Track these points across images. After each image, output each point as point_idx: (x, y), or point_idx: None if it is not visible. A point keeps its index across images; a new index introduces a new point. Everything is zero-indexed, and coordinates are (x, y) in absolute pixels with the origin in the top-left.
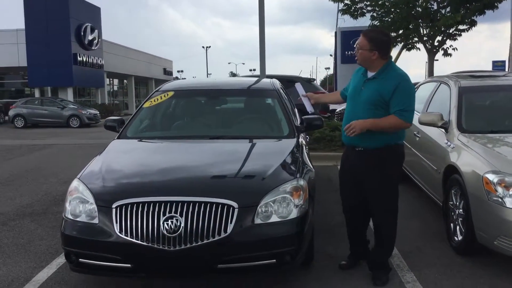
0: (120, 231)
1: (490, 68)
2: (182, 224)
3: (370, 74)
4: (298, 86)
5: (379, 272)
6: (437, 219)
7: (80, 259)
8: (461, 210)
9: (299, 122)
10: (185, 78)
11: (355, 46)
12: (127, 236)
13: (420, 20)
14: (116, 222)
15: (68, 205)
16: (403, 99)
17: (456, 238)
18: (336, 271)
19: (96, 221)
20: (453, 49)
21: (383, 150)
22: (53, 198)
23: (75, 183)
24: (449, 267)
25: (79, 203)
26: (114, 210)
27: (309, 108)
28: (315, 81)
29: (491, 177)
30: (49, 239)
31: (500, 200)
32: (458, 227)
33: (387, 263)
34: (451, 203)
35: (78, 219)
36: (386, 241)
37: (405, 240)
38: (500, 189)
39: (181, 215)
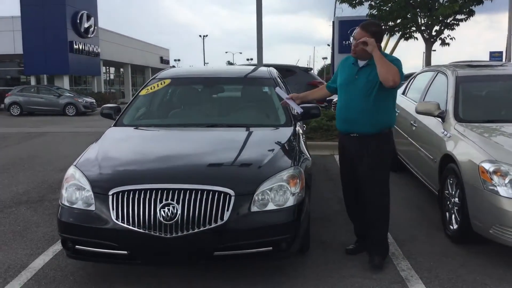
0: (117, 218)
1: (487, 59)
2: (179, 212)
3: (362, 63)
4: (278, 91)
5: (375, 254)
6: (432, 208)
7: (76, 246)
8: (456, 199)
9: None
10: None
11: (353, 40)
12: (123, 223)
13: (418, 10)
14: (113, 209)
15: (65, 192)
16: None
17: (451, 227)
18: (331, 259)
19: (92, 208)
20: (451, 38)
21: (378, 135)
22: (49, 186)
23: (72, 170)
24: (444, 255)
25: (76, 190)
26: (110, 197)
27: (297, 109)
28: (312, 71)
29: (487, 166)
30: (45, 226)
31: (495, 189)
32: (453, 216)
33: (386, 244)
34: (447, 192)
35: (74, 206)
36: (380, 222)
37: (400, 228)
38: (496, 178)
39: (177, 203)
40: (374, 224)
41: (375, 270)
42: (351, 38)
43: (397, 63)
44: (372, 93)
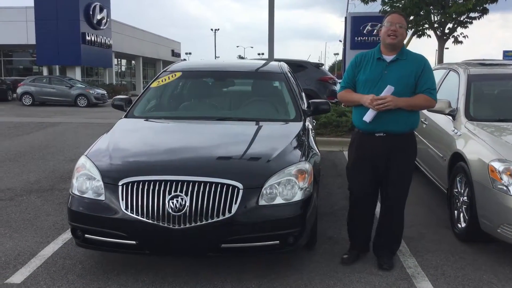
0: (126, 208)
1: (501, 58)
2: (187, 203)
3: (388, 57)
4: (389, 88)
5: (386, 256)
6: (441, 206)
7: (86, 235)
8: (465, 198)
9: (306, 106)
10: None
11: (389, 24)
12: (132, 213)
13: (431, 7)
14: (122, 200)
15: (75, 182)
16: (430, 78)
17: (459, 225)
18: (338, 254)
19: (102, 197)
20: (464, 36)
21: (407, 135)
22: (60, 175)
23: (83, 159)
24: (452, 253)
25: (86, 180)
26: (120, 188)
27: (368, 117)
28: (323, 66)
29: (497, 165)
30: (55, 215)
31: (505, 188)
32: (461, 214)
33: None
34: (456, 190)
35: (84, 196)
36: (398, 227)
37: (408, 225)
38: (505, 178)
39: (186, 194)
40: (392, 228)
41: (385, 270)
42: (384, 24)
43: (429, 64)
44: (405, 89)
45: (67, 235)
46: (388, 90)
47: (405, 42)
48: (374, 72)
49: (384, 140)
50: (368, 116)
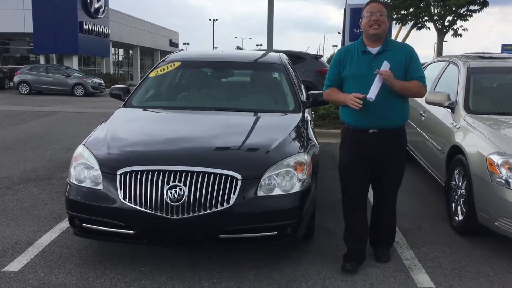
0: (124, 198)
1: (499, 51)
2: (186, 194)
3: (374, 49)
4: (386, 63)
5: (383, 248)
6: (438, 199)
7: (83, 224)
8: (463, 191)
9: (305, 97)
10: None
11: (369, 15)
12: (130, 203)
13: None
14: (120, 189)
15: (73, 171)
16: (419, 66)
17: (457, 218)
18: (335, 245)
19: (100, 187)
20: (463, 29)
21: (400, 129)
22: (57, 164)
23: (80, 149)
24: (449, 246)
25: (84, 169)
26: (118, 177)
27: (372, 94)
28: (321, 58)
29: (496, 158)
30: (52, 204)
31: (503, 181)
32: (459, 207)
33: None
34: (454, 183)
35: (82, 185)
36: (393, 220)
37: (405, 218)
38: (503, 171)
39: (184, 185)
40: (387, 222)
41: (383, 262)
42: (364, 15)
43: (415, 52)
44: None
45: (64, 224)
46: (385, 66)
47: (403, 34)
48: (361, 67)
49: (379, 137)
50: (372, 93)
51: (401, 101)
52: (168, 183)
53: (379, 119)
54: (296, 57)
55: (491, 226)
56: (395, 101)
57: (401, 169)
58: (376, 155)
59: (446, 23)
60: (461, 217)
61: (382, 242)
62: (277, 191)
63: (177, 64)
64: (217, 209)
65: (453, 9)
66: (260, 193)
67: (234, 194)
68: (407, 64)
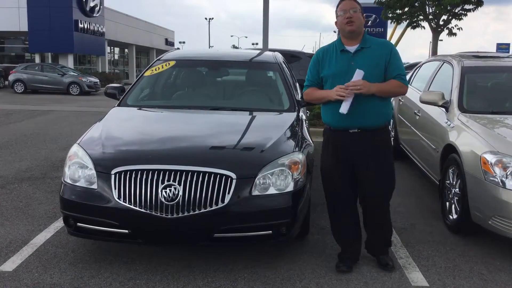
0: (119, 197)
1: (494, 50)
2: (180, 193)
3: (352, 47)
4: (358, 72)
5: (385, 256)
6: (433, 198)
7: (78, 223)
8: (457, 189)
9: (300, 97)
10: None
11: (342, 12)
12: (125, 202)
13: None
14: (115, 188)
15: (68, 170)
16: (400, 63)
17: (451, 217)
18: (330, 244)
19: (95, 186)
20: (458, 28)
21: (382, 129)
22: (52, 164)
23: (75, 148)
24: (443, 244)
25: (79, 168)
26: (113, 176)
27: (344, 108)
28: None
29: (489, 157)
30: (47, 203)
31: (496, 180)
32: (453, 206)
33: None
34: (448, 182)
35: (77, 184)
36: (387, 223)
37: (400, 216)
38: (497, 170)
39: (179, 184)
40: (381, 226)
41: (390, 270)
42: (338, 14)
43: (395, 49)
44: (375, 79)
45: (59, 224)
46: (358, 74)
47: (398, 33)
48: (340, 65)
49: (360, 137)
50: (344, 107)
51: (381, 100)
52: (162, 182)
53: (358, 119)
54: (291, 56)
55: (484, 225)
56: (374, 100)
57: (387, 171)
58: (357, 156)
59: (441, 22)
60: (455, 216)
61: (379, 247)
62: (271, 190)
63: (172, 63)
64: (211, 208)
65: (448, 8)
66: (255, 192)
67: (228, 193)
68: (387, 61)
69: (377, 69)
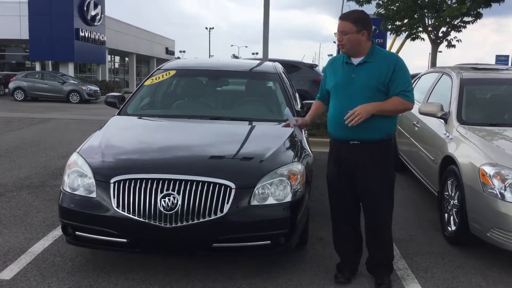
0: (118, 206)
1: (493, 62)
2: (179, 202)
3: (356, 60)
4: (288, 112)
5: (382, 275)
6: (431, 209)
7: (76, 232)
8: (456, 201)
9: (299, 107)
10: (186, 58)
11: (337, 35)
12: (124, 211)
13: (425, 10)
14: (114, 197)
15: (67, 178)
16: (404, 79)
17: (449, 228)
18: (328, 255)
19: (94, 195)
20: (457, 40)
21: (384, 142)
22: (51, 172)
23: (74, 156)
24: (441, 256)
25: (78, 177)
26: (112, 185)
27: (300, 136)
28: (317, 67)
29: (488, 169)
30: (46, 211)
31: (495, 192)
32: (452, 217)
33: (392, 264)
34: (447, 193)
35: (76, 193)
36: (387, 242)
37: (398, 228)
38: (496, 182)
39: (178, 193)
40: (381, 243)
41: None
42: (335, 35)
43: (401, 63)
44: (375, 93)
45: (57, 232)
46: (288, 114)
47: (397, 45)
48: (342, 77)
49: (360, 148)
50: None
51: (381, 115)
52: (161, 191)
53: (358, 131)
54: (291, 66)
55: (483, 236)
56: (375, 115)
57: (385, 185)
58: (358, 168)
59: (440, 34)
60: (453, 227)
61: (378, 266)
62: (270, 200)
63: (173, 72)
64: (210, 218)
65: (447, 20)
66: (254, 202)
67: (227, 203)
68: (389, 77)
69: (377, 84)
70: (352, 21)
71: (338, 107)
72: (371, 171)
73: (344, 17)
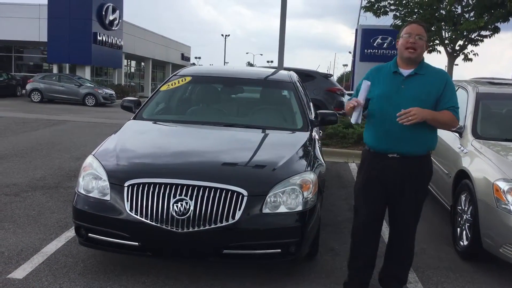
0: (131, 210)
1: (510, 77)
2: (192, 208)
3: (406, 71)
4: (365, 85)
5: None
6: (444, 223)
7: (89, 234)
8: (468, 216)
9: (313, 116)
10: (201, 65)
11: (408, 36)
12: (137, 214)
13: (442, 23)
14: (127, 201)
15: (82, 180)
16: (453, 96)
17: (461, 243)
18: (338, 266)
19: (108, 198)
20: (474, 54)
21: (424, 158)
22: (65, 173)
23: (90, 159)
24: (452, 270)
25: (92, 179)
26: (126, 189)
27: (356, 119)
28: (332, 77)
29: (502, 184)
30: (59, 212)
31: (509, 208)
32: (464, 232)
33: (407, 277)
34: (460, 207)
35: (90, 195)
36: (409, 255)
37: None
38: (509, 198)
39: (191, 199)
40: (403, 255)
41: None
42: (402, 35)
43: (451, 81)
44: (423, 106)
45: (70, 233)
46: (364, 84)
47: None
48: (390, 87)
49: (398, 162)
50: (354, 117)
51: (426, 127)
52: (174, 196)
53: (399, 143)
54: (306, 75)
55: (495, 252)
56: (419, 127)
57: (418, 201)
58: (392, 182)
59: (457, 47)
60: (466, 242)
61: (392, 280)
62: (282, 209)
63: (188, 78)
64: (222, 224)
65: (464, 33)
66: (265, 210)
67: (239, 210)
68: (440, 93)
69: (429, 97)
70: (425, 28)
71: (381, 117)
72: (409, 186)
73: (419, 23)
